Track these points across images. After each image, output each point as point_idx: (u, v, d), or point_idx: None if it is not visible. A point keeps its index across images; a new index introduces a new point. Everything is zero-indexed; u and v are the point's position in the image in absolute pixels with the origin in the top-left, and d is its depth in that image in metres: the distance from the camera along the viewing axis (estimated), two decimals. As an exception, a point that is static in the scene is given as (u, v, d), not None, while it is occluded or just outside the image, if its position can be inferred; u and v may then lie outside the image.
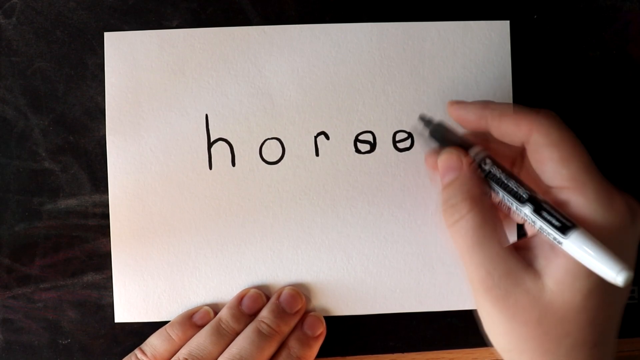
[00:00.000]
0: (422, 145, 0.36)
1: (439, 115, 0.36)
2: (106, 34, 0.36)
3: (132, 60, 0.36)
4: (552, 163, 0.28)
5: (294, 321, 0.35)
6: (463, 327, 0.36)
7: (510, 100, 0.36)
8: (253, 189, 0.36)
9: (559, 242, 0.26)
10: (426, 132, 0.32)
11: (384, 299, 0.36)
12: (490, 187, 0.29)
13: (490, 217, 0.29)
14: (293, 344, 0.35)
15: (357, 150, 0.36)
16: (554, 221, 0.27)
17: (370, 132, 0.36)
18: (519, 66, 0.37)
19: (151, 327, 0.36)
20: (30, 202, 0.36)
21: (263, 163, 0.36)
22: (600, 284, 0.27)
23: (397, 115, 0.36)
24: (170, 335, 0.35)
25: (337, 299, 0.36)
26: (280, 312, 0.35)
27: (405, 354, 0.37)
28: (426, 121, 0.33)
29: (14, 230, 0.36)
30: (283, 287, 0.36)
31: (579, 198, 0.27)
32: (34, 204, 0.36)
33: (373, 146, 0.36)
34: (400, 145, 0.36)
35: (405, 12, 0.36)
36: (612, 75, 0.37)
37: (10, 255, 0.36)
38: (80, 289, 0.36)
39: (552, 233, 0.27)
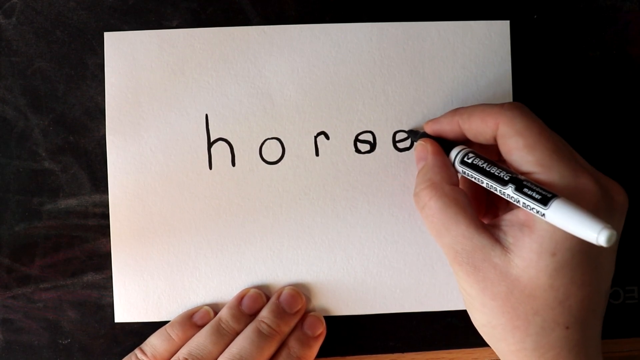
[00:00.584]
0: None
1: (438, 113, 0.36)
2: (106, 34, 0.36)
3: (132, 60, 0.36)
4: (518, 151, 0.29)
5: (294, 321, 0.35)
6: (463, 327, 0.36)
7: (510, 100, 0.36)
8: (253, 189, 0.36)
9: (542, 215, 0.27)
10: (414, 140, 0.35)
11: (384, 299, 0.36)
12: (475, 176, 0.31)
13: (453, 200, 0.30)
14: (293, 344, 0.35)
15: (357, 150, 0.36)
16: (535, 195, 0.27)
17: (370, 132, 0.36)
18: (519, 66, 0.37)
19: (151, 327, 0.36)
20: (30, 202, 0.36)
21: (263, 163, 0.36)
22: (567, 264, 0.28)
23: (397, 115, 0.36)
24: (170, 335, 0.35)
25: (337, 299, 0.36)
26: (280, 312, 0.35)
27: (405, 354, 0.37)
28: (413, 133, 0.35)
29: (14, 230, 0.36)
30: (283, 287, 0.36)
31: (546, 182, 0.28)
32: (34, 204, 0.36)
33: (373, 146, 0.36)
34: (400, 145, 0.36)
35: (405, 12, 0.36)
36: (612, 75, 0.37)
37: (10, 255, 0.36)
38: (80, 289, 0.36)
39: (535, 207, 0.27)
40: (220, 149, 0.36)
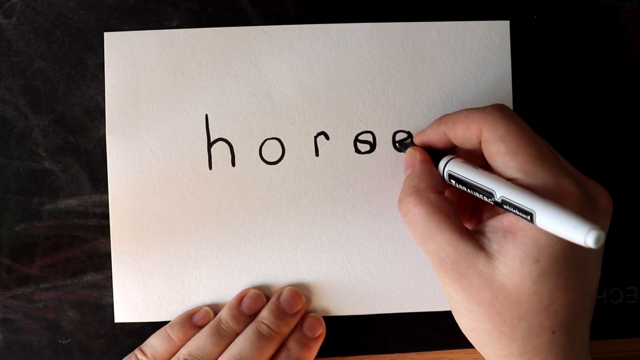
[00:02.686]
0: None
1: (439, 114, 0.36)
2: (106, 34, 0.36)
3: (132, 60, 0.36)
4: (500, 157, 0.29)
5: (293, 322, 0.35)
6: (463, 327, 0.36)
7: (510, 100, 0.36)
8: (253, 189, 0.36)
9: (530, 219, 0.27)
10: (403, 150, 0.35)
11: (384, 299, 0.36)
12: (462, 186, 0.31)
13: (437, 208, 0.30)
14: (293, 345, 0.35)
15: (357, 150, 0.36)
16: (521, 200, 0.27)
17: (370, 132, 0.36)
18: (519, 66, 0.37)
19: (151, 327, 0.36)
20: (30, 202, 0.36)
21: (263, 163, 0.36)
22: (551, 270, 0.28)
23: (397, 115, 0.36)
24: (170, 336, 0.35)
25: (337, 299, 0.36)
26: (280, 313, 0.35)
27: (405, 354, 0.37)
28: (403, 144, 0.36)
29: (14, 230, 0.36)
30: (283, 288, 0.36)
31: (529, 187, 0.28)
32: (33, 204, 0.36)
33: (373, 146, 0.36)
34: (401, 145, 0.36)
35: (405, 12, 0.36)
36: (612, 75, 0.37)
37: (10, 255, 0.36)
38: (80, 289, 0.36)
39: (522, 211, 0.27)
40: (220, 149, 0.36)
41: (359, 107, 0.36)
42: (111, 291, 0.36)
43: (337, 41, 0.36)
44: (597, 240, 0.24)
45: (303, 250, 0.36)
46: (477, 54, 0.36)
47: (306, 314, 0.36)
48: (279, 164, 0.36)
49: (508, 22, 0.36)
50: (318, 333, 0.35)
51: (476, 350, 0.31)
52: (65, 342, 0.36)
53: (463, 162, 0.31)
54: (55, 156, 0.36)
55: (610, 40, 0.37)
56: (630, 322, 0.37)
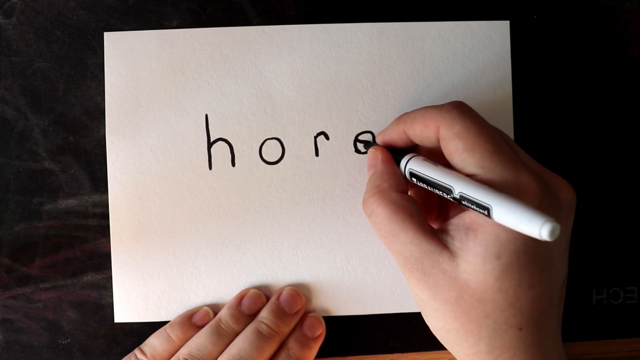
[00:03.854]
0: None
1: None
2: (106, 34, 0.36)
3: (132, 60, 0.36)
4: (458, 154, 0.29)
5: (293, 322, 0.35)
6: (463, 327, 0.36)
7: (510, 100, 0.36)
8: (253, 189, 0.36)
9: (487, 214, 0.27)
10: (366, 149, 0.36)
11: (384, 299, 0.36)
12: (423, 184, 0.31)
13: (400, 207, 0.30)
14: (292, 344, 0.35)
15: (357, 150, 0.36)
16: (478, 196, 0.27)
17: (370, 132, 0.36)
18: (519, 66, 0.37)
19: (151, 327, 0.36)
20: (30, 202, 0.36)
21: (263, 163, 0.36)
22: (513, 266, 0.28)
23: (397, 115, 0.36)
24: (169, 336, 0.35)
25: (337, 299, 0.36)
26: (280, 313, 0.35)
27: (405, 354, 0.37)
28: (366, 143, 0.36)
29: (14, 230, 0.36)
30: (283, 287, 0.36)
31: (487, 183, 0.28)
32: (33, 204, 0.36)
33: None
34: (400, 145, 0.36)
35: (405, 12, 0.36)
36: (612, 75, 0.37)
37: (10, 255, 0.36)
38: (80, 289, 0.36)
39: (480, 207, 0.27)
40: (220, 149, 0.36)
41: (359, 107, 0.36)
42: (111, 291, 0.36)
43: (337, 41, 0.36)
44: (551, 233, 0.24)
45: (303, 250, 0.36)
46: (477, 54, 0.36)
47: (306, 313, 0.36)
48: (279, 164, 0.36)
49: (508, 22, 0.36)
50: (318, 333, 0.35)
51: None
52: (65, 342, 0.36)
53: (424, 159, 0.31)
54: (55, 156, 0.36)
55: (610, 40, 0.37)
56: (630, 322, 0.37)
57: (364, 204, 0.32)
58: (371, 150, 0.34)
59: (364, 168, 0.36)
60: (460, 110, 0.30)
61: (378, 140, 0.34)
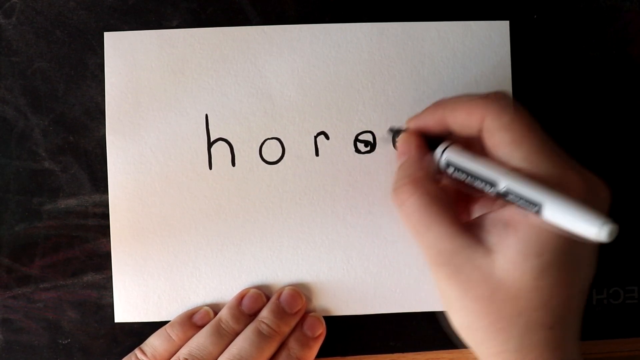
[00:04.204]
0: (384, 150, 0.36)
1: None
2: (106, 34, 0.36)
3: (132, 60, 0.36)
4: (504, 147, 0.28)
5: (294, 321, 0.35)
6: (463, 327, 0.36)
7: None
8: (253, 189, 0.36)
9: (537, 212, 0.26)
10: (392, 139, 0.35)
11: (384, 299, 0.36)
12: (463, 175, 0.29)
13: (435, 198, 0.29)
14: (293, 344, 0.35)
15: (357, 150, 0.36)
16: (528, 192, 0.26)
17: (370, 132, 0.36)
18: (519, 66, 0.37)
19: (151, 327, 0.36)
20: (30, 202, 0.36)
21: (263, 163, 0.36)
22: (553, 265, 0.27)
23: (397, 115, 0.36)
24: (170, 336, 0.35)
25: (337, 299, 0.36)
26: (280, 312, 0.35)
27: (405, 354, 0.37)
28: (395, 131, 0.34)
29: (14, 230, 0.36)
30: (283, 287, 0.36)
31: (534, 178, 0.27)
32: (33, 204, 0.36)
33: (373, 146, 0.36)
34: (400, 145, 0.36)
35: (405, 12, 0.36)
36: (612, 75, 0.37)
37: (10, 255, 0.36)
38: (80, 289, 0.36)
39: (530, 204, 0.26)
40: (220, 149, 0.36)
41: (359, 107, 0.36)
42: (111, 291, 0.36)
43: (337, 41, 0.36)
44: (610, 234, 0.23)
45: (303, 250, 0.36)
46: (477, 54, 0.36)
47: (306, 313, 0.36)
48: (279, 164, 0.36)
49: (508, 22, 0.36)
50: (318, 333, 0.35)
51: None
52: (65, 342, 0.36)
53: (462, 149, 0.30)
54: (55, 156, 0.36)
55: (610, 40, 0.37)
56: (630, 322, 0.37)
57: (394, 193, 0.30)
58: (404, 135, 0.32)
59: (364, 168, 0.36)
60: (508, 101, 0.29)
61: (410, 124, 0.32)
